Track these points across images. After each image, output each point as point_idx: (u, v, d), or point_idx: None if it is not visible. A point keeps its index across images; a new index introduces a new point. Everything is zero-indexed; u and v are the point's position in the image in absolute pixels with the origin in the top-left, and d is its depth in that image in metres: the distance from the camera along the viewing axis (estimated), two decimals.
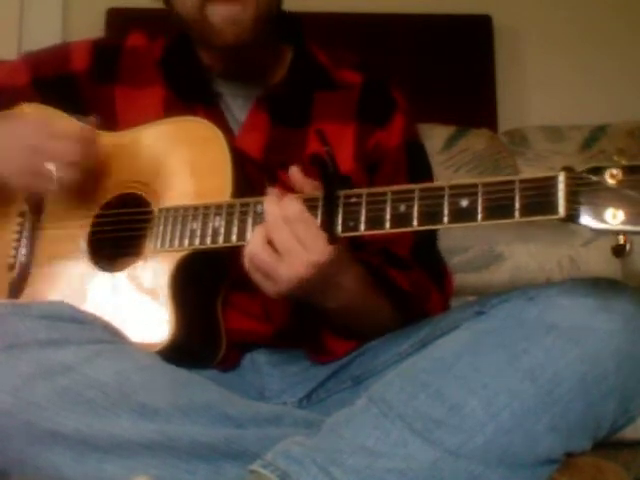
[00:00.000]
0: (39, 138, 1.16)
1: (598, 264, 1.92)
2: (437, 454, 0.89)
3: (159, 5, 1.28)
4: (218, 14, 1.16)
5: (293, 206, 1.02)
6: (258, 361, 1.22)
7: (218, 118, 1.25)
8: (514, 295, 1.01)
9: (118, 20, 2.60)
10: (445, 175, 2.39)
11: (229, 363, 1.21)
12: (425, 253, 1.26)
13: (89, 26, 2.58)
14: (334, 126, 1.25)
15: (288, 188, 1.08)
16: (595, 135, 2.55)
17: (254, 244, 1.03)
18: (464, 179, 0.96)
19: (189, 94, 1.27)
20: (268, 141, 1.25)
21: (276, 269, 1.02)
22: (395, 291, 1.19)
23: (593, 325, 0.92)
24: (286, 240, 1.01)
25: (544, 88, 2.81)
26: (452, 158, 2.49)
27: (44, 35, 2.56)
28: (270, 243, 1.02)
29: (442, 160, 2.44)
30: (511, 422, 0.90)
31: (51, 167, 1.15)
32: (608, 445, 0.98)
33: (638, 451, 1.77)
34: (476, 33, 2.75)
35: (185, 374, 1.03)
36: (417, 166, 1.30)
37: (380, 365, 1.14)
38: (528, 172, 2.47)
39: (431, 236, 1.29)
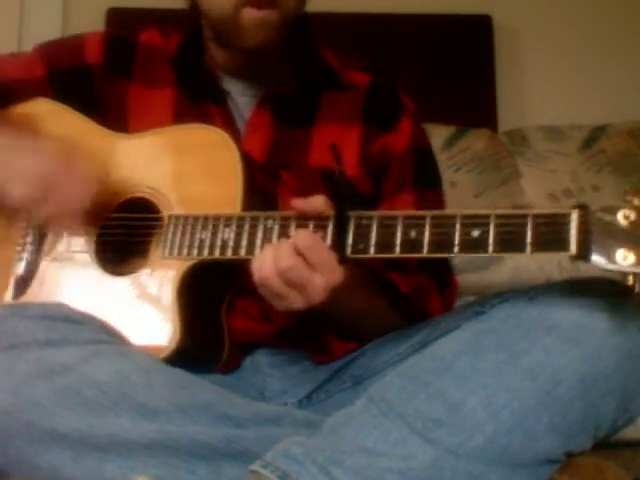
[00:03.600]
0: (57, 171, 1.14)
1: None
2: (437, 454, 0.89)
3: (160, 5, 1.28)
4: (251, 17, 1.16)
5: (303, 237, 1.01)
6: (259, 362, 1.22)
7: (227, 117, 1.25)
8: (514, 295, 1.01)
9: (118, 20, 2.59)
10: (445, 175, 2.38)
11: (230, 365, 1.21)
12: (430, 260, 1.26)
13: (89, 26, 2.55)
14: (339, 127, 1.25)
15: (290, 189, 1.08)
16: (595, 135, 2.54)
17: (264, 270, 1.01)
18: (477, 209, 0.96)
19: (198, 92, 1.27)
20: (271, 141, 1.25)
21: (290, 296, 1.01)
22: (395, 294, 1.19)
23: (593, 325, 0.92)
24: (299, 276, 0.99)
25: (544, 88, 2.80)
26: (452, 158, 2.48)
27: (44, 35, 2.53)
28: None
29: (442, 160, 2.43)
30: (511, 422, 0.90)
31: (56, 201, 1.13)
32: (608, 445, 0.98)
33: (638, 451, 1.76)
34: (476, 33, 2.75)
35: (184, 374, 1.03)
36: (424, 172, 1.30)
37: (380, 365, 1.14)
38: (528, 172, 2.46)
39: None
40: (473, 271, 1.94)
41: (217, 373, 1.18)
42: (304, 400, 1.20)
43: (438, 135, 2.50)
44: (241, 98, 1.28)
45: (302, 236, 1.01)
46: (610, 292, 0.95)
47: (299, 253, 0.99)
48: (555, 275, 1.93)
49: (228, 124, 1.22)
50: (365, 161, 1.26)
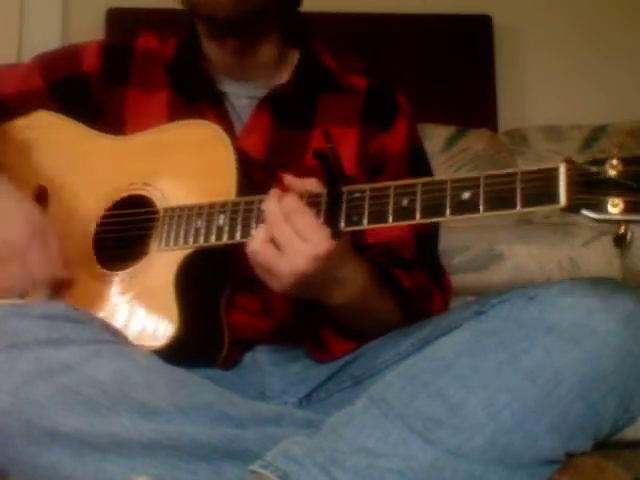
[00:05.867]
0: (23, 241, 1.16)
1: (598, 264, 1.91)
2: (437, 454, 0.89)
3: (160, 5, 1.28)
4: None
5: (290, 201, 1.03)
6: (259, 360, 1.23)
7: (223, 118, 1.25)
8: (514, 295, 1.01)
9: (118, 20, 2.60)
10: (445, 175, 2.38)
11: (230, 360, 1.21)
12: (427, 254, 1.27)
13: (89, 26, 2.58)
14: (337, 129, 1.25)
15: (285, 188, 1.08)
16: (595, 135, 2.55)
17: (255, 241, 1.04)
18: (466, 173, 0.96)
19: (194, 94, 1.27)
20: (270, 142, 1.25)
21: (277, 264, 1.02)
22: (399, 290, 1.19)
23: (593, 325, 0.92)
24: (285, 235, 1.02)
25: (544, 88, 2.81)
26: (452, 158, 2.49)
27: (44, 35, 2.56)
28: (272, 240, 1.03)
29: (442, 160, 2.44)
30: (511, 422, 0.90)
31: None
32: (609, 445, 0.98)
33: (638, 451, 1.77)
34: (476, 33, 2.75)
35: (184, 374, 1.03)
36: (419, 171, 1.30)
37: (380, 365, 1.14)
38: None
39: (433, 237, 1.30)
40: (473, 271, 1.94)
41: (217, 368, 1.19)
42: (304, 399, 1.20)
43: (438, 135, 2.50)
44: (239, 100, 1.29)
45: (289, 201, 1.03)
46: (610, 292, 0.95)
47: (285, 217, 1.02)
48: (555, 275, 1.93)
49: (224, 124, 1.22)
50: (362, 161, 1.27)
